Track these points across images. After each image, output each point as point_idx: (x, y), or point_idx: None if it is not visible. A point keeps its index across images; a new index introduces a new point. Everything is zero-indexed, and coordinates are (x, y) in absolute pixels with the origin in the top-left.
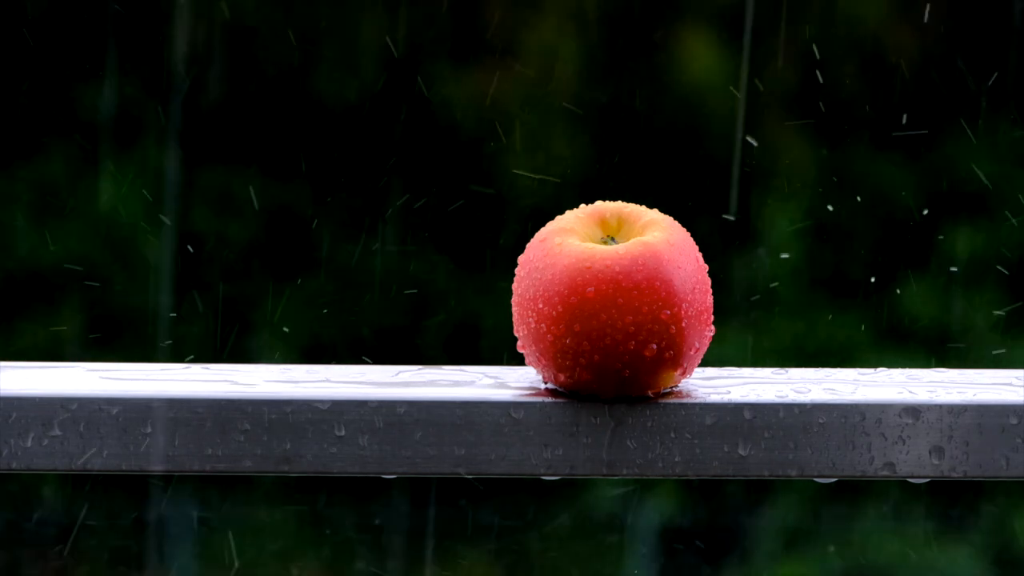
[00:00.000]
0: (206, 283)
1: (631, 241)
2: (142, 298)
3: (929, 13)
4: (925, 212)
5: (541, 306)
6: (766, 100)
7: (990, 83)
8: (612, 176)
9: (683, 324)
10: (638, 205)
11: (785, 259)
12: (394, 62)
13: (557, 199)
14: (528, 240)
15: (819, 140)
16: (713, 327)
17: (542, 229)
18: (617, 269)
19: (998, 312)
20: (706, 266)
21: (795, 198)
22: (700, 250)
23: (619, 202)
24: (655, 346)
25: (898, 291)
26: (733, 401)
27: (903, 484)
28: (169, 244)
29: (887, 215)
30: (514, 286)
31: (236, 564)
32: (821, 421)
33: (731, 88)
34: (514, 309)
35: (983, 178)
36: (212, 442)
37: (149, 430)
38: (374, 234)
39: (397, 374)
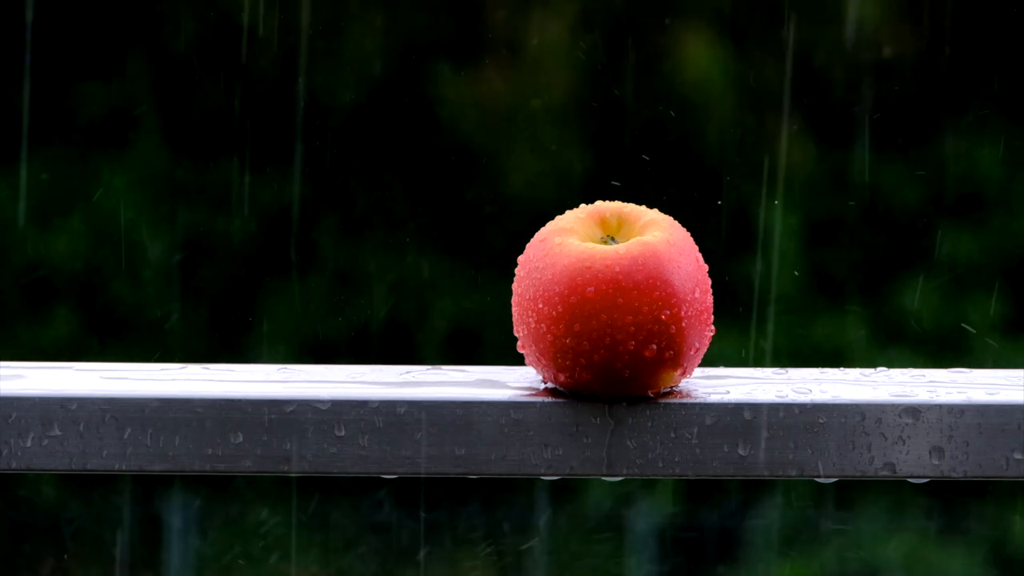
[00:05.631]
0: (206, 283)
1: (631, 241)
2: (141, 298)
3: (928, 13)
4: (924, 212)
5: (541, 306)
6: (765, 100)
7: (989, 83)
8: (612, 176)
9: (683, 324)
10: (638, 205)
11: (784, 259)
12: (394, 61)
13: (557, 199)
14: (528, 240)
15: (818, 140)
16: (713, 327)
17: (542, 229)
18: (617, 269)
19: (998, 312)
20: (706, 266)
21: (794, 198)
22: (700, 250)
23: (619, 202)
24: (655, 346)
25: (898, 291)
26: (733, 401)
27: (903, 484)
28: (168, 244)
29: (886, 215)
30: (514, 286)
31: (235, 564)
32: (821, 421)
33: (730, 88)
34: (514, 309)
35: (983, 178)
36: (212, 442)
37: (149, 430)
38: (374, 233)
39: (397, 374)
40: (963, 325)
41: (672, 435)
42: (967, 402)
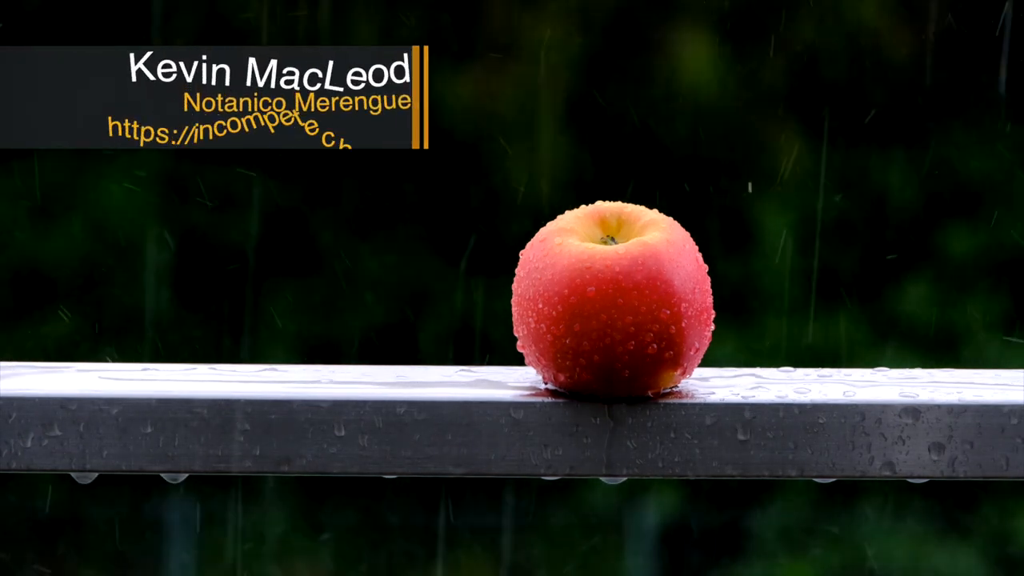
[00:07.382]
0: (206, 283)
1: (631, 241)
2: (142, 298)
3: (927, 12)
4: (924, 211)
5: (541, 306)
6: (764, 99)
7: (988, 82)
8: (611, 176)
9: (683, 324)
10: (638, 205)
11: (783, 258)
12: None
13: (556, 199)
14: (528, 240)
15: (817, 139)
16: (713, 327)
17: (542, 229)
18: (617, 269)
19: (997, 312)
20: (706, 266)
21: (793, 197)
22: (699, 250)
23: (619, 202)
24: (655, 346)
25: (897, 291)
26: (733, 401)
27: (903, 484)
28: (169, 244)
29: (886, 214)
30: (514, 286)
31: (236, 564)
32: (821, 421)
33: (728, 87)
34: (514, 309)
35: (982, 177)
36: (212, 442)
37: (149, 430)
38: (374, 234)
39: (397, 374)
40: (963, 325)
41: (672, 435)
42: (967, 402)
